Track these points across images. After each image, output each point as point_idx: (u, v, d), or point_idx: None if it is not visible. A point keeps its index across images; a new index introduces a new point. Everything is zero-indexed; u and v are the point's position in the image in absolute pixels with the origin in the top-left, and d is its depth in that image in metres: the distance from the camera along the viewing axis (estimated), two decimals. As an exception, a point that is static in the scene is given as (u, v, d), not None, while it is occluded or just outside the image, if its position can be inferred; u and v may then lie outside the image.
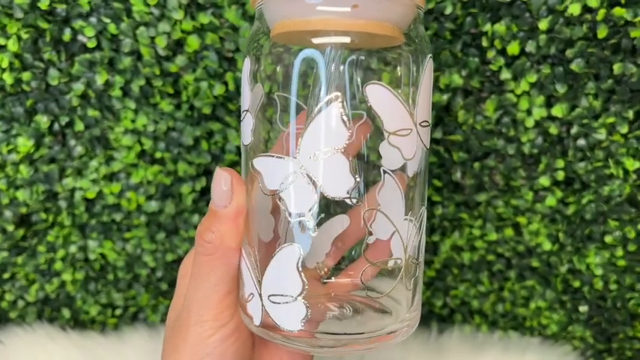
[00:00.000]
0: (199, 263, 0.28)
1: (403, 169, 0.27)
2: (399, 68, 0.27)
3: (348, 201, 0.25)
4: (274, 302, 0.26)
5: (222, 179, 0.27)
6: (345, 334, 0.27)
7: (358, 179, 0.25)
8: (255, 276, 0.27)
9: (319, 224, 0.28)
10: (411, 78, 0.27)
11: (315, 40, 0.25)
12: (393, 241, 0.27)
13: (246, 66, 0.27)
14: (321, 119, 0.24)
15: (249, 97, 0.27)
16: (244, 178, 0.29)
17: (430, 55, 0.27)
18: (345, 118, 0.24)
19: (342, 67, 0.26)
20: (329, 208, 0.30)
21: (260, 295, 0.26)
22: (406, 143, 0.25)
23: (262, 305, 0.26)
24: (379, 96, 0.25)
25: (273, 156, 0.26)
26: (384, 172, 0.26)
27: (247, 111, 0.27)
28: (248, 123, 0.27)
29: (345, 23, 0.24)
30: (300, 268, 0.25)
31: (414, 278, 0.28)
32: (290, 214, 0.25)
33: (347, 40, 0.25)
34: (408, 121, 0.25)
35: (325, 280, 0.31)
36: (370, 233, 0.27)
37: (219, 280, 0.28)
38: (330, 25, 0.24)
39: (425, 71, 0.26)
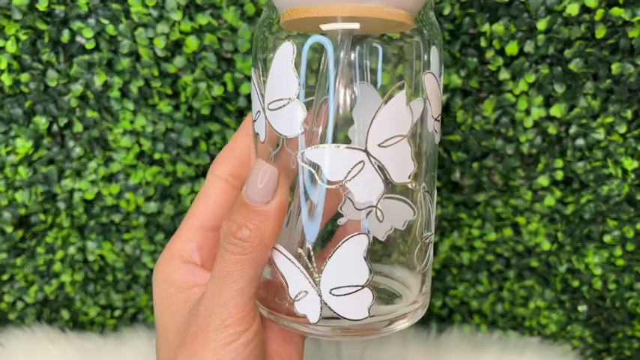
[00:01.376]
0: (229, 263, 0.26)
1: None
2: (423, 57, 0.27)
3: (409, 185, 0.25)
4: (338, 295, 0.25)
5: (264, 172, 0.25)
6: (348, 319, 0.26)
7: (416, 165, 0.25)
8: (309, 273, 0.26)
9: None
10: (439, 66, 0.28)
11: (324, 27, 0.25)
12: (369, 219, 0.26)
13: (288, 51, 0.25)
14: (390, 106, 0.24)
15: (295, 84, 0.25)
16: None
17: (441, 44, 0.28)
18: (410, 106, 0.25)
19: (353, 55, 0.26)
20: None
21: (318, 290, 0.26)
22: (439, 128, 0.28)
23: (321, 301, 0.26)
24: (431, 85, 0.26)
25: (339, 146, 0.25)
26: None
27: (290, 100, 0.25)
28: (294, 112, 0.25)
29: (356, 9, 0.24)
30: (367, 257, 0.25)
31: (422, 260, 0.28)
32: (357, 204, 0.25)
33: (356, 26, 0.25)
34: (440, 108, 0.28)
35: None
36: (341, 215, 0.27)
37: (250, 281, 0.26)
38: (341, 11, 0.24)
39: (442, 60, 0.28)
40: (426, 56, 0.27)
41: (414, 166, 0.25)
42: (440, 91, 0.27)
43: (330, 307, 0.25)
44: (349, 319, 0.25)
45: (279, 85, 0.25)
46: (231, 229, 0.26)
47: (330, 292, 0.25)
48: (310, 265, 0.26)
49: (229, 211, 0.27)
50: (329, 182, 0.25)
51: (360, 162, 0.24)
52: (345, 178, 0.25)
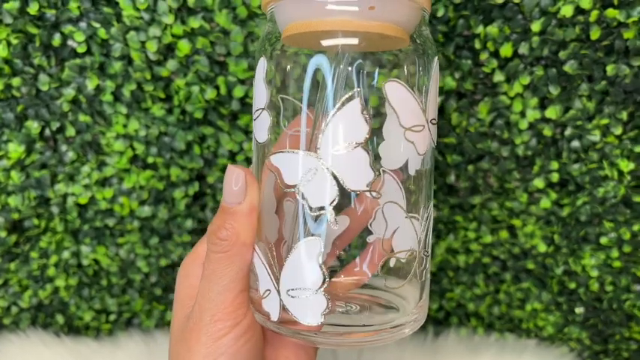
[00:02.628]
0: (213, 261, 0.28)
1: (403, 167, 0.27)
2: (407, 68, 0.28)
3: (368, 194, 0.25)
4: (293, 297, 0.26)
5: (234, 176, 0.27)
6: (353, 325, 0.27)
7: (378, 173, 0.25)
8: (273, 272, 0.27)
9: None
10: (418, 77, 0.27)
11: (324, 42, 0.26)
12: (395, 239, 0.27)
13: (261, 66, 0.28)
14: (343, 114, 0.25)
15: (266, 95, 0.28)
16: (257, 175, 0.29)
17: (437, 56, 0.28)
18: (365, 113, 0.25)
19: (350, 68, 0.26)
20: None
21: (278, 290, 0.26)
22: (420, 139, 0.26)
23: (280, 300, 0.26)
24: (396, 93, 0.25)
25: (292, 151, 0.26)
26: (383, 172, 0.27)
27: (263, 109, 0.28)
28: (264, 121, 0.28)
29: (354, 24, 0.25)
30: (321, 261, 0.25)
31: (420, 274, 0.29)
32: (311, 208, 0.26)
33: (355, 41, 0.25)
34: (421, 118, 0.26)
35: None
36: (370, 232, 0.27)
37: (234, 277, 0.27)
38: (340, 25, 0.25)
39: (433, 70, 0.27)
40: (413, 67, 0.27)
41: (373, 175, 0.25)
42: (415, 100, 0.26)
43: (286, 308, 0.26)
44: (303, 324, 0.26)
45: (257, 96, 0.28)
46: (212, 230, 0.28)
47: (287, 293, 0.26)
48: (274, 264, 0.27)
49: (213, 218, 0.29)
50: (285, 186, 0.26)
51: (313, 168, 0.25)
52: (300, 182, 0.25)
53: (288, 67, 0.28)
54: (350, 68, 0.26)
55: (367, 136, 0.25)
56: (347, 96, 0.25)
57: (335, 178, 0.25)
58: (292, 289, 0.26)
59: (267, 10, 0.27)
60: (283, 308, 0.26)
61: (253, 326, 0.28)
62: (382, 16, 0.25)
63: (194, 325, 0.28)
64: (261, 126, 0.28)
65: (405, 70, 0.28)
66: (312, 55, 0.26)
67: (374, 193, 0.26)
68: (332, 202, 0.25)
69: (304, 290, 0.26)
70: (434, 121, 0.28)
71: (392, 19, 0.25)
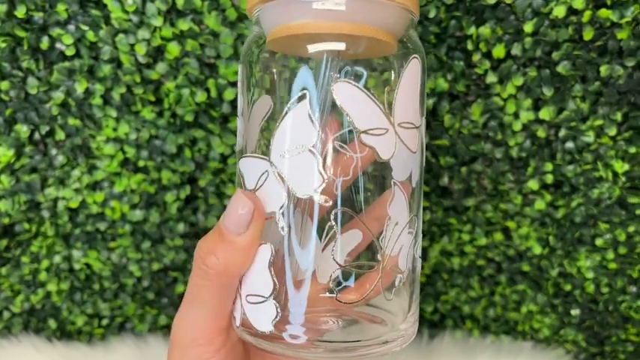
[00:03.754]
0: (197, 286, 0.26)
1: (409, 179, 0.27)
2: (382, 72, 0.27)
3: (316, 199, 0.24)
4: (250, 302, 0.26)
5: (241, 204, 0.25)
6: (344, 341, 0.27)
7: (326, 178, 0.24)
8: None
9: (331, 238, 0.26)
10: (391, 79, 0.26)
11: (310, 48, 0.25)
12: (401, 256, 0.27)
13: (241, 72, 0.27)
14: (290, 118, 0.24)
15: (241, 102, 0.27)
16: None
17: (415, 55, 0.26)
18: (313, 116, 0.24)
19: (337, 75, 0.25)
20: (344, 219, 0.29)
21: (240, 295, 0.26)
22: (382, 143, 0.25)
23: (241, 305, 0.26)
24: (347, 94, 0.24)
25: (251, 156, 0.26)
26: (394, 184, 0.26)
27: (240, 115, 0.27)
28: (239, 127, 0.28)
29: (340, 26, 0.24)
30: (272, 268, 0.25)
31: (412, 290, 0.28)
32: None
33: (342, 46, 0.25)
34: (383, 121, 0.25)
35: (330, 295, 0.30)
36: (381, 247, 0.26)
37: (216, 304, 0.26)
38: (325, 28, 0.24)
39: (405, 71, 0.25)
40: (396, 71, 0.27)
41: (322, 180, 0.24)
42: (373, 101, 0.25)
43: (246, 314, 0.26)
44: (257, 330, 0.26)
45: (238, 102, 0.28)
46: (200, 254, 0.26)
47: (246, 298, 0.26)
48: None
49: (205, 235, 0.27)
50: (248, 190, 0.26)
51: (265, 171, 0.25)
52: (255, 186, 0.25)
53: (275, 71, 0.27)
54: (337, 75, 0.25)
55: (315, 139, 0.24)
56: (296, 97, 0.24)
57: (283, 182, 0.25)
58: (250, 295, 0.26)
59: (253, 15, 0.27)
60: (243, 313, 0.26)
61: (236, 349, 0.28)
62: (365, 18, 0.24)
63: (178, 339, 0.27)
64: (238, 132, 0.28)
65: (382, 74, 0.27)
66: (299, 60, 0.25)
67: (323, 199, 0.25)
68: (281, 208, 0.25)
69: (258, 297, 0.25)
70: (407, 125, 0.26)
71: (379, 22, 0.25)
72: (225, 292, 0.26)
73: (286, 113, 0.24)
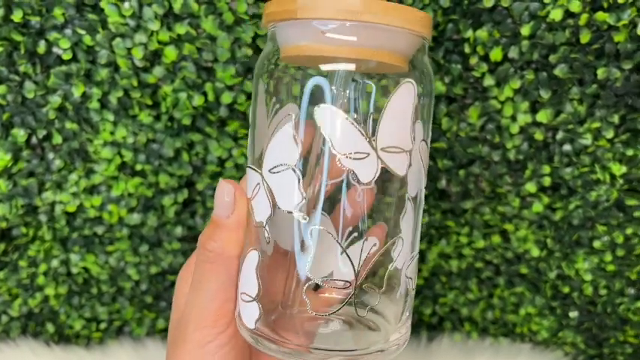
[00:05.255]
0: (201, 271, 0.29)
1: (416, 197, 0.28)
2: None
3: (295, 216, 0.26)
4: (243, 300, 0.28)
5: (225, 190, 0.28)
6: (338, 350, 0.27)
7: (305, 196, 0.26)
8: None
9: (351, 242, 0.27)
10: (375, 103, 0.27)
11: (323, 67, 0.26)
12: (410, 269, 0.29)
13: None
14: (279, 135, 0.26)
15: (256, 114, 0.29)
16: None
17: (409, 80, 0.26)
18: (297, 137, 0.25)
19: (347, 91, 0.26)
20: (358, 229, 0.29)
21: (238, 290, 0.29)
22: (361, 167, 0.25)
23: (238, 300, 0.28)
24: (328, 118, 0.25)
25: (250, 167, 0.28)
26: (408, 199, 0.28)
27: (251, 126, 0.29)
28: (249, 137, 0.29)
29: (351, 51, 0.25)
30: (258, 272, 0.27)
31: (407, 299, 0.29)
32: (255, 222, 0.27)
33: (352, 67, 0.26)
34: (364, 145, 0.25)
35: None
36: (392, 260, 0.28)
37: (219, 287, 0.28)
38: (337, 52, 0.25)
39: (393, 96, 0.26)
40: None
41: (301, 198, 0.26)
42: (353, 125, 0.25)
43: (239, 308, 0.28)
44: (245, 326, 0.28)
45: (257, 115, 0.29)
46: (201, 241, 0.29)
47: (241, 296, 0.28)
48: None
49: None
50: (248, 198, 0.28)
51: (257, 184, 0.27)
52: (252, 195, 0.28)
53: (286, 82, 0.28)
54: (347, 91, 0.26)
55: (297, 159, 0.25)
56: (284, 117, 0.25)
57: (271, 196, 0.26)
58: (242, 293, 0.28)
59: (269, 29, 0.27)
60: (239, 309, 0.28)
61: (238, 336, 0.29)
62: (377, 43, 0.25)
63: (180, 332, 0.29)
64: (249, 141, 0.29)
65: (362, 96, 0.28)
66: (311, 74, 0.26)
67: (302, 215, 0.26)
68: (268, 218, 0.27)
69: (247, 296, 0.27)
70: (392, 150, 0.26)
71: (387, 46, 0.25)
72: (226, 275, 0.28)
73: (276, 131, 0.26)
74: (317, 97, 0.26)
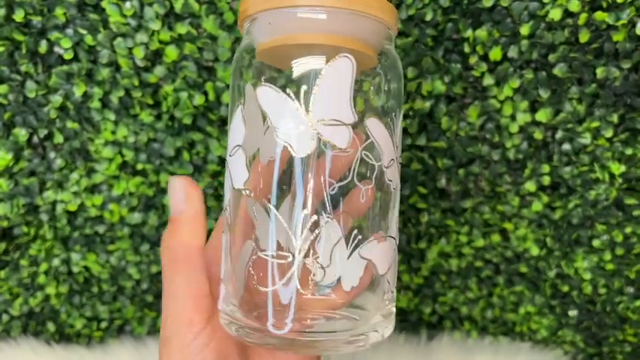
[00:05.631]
0: (168, 271, 0.28)
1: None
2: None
3: (243, 192, 0.27)
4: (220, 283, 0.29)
5: (176, 186, 0.29)
6: (321, 332, 0.27)
7: (250, 173, 0.27)
8: None
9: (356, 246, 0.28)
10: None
11: (293, 62, 0.26)
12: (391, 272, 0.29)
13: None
14: (233, 121, 0.27)
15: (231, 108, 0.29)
16: None
17: (346, 55, 0.26)
18: (245, 117, 0.27)
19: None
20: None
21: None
22: (298, 140, 0.26)
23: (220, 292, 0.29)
24: (267, 96, 0.26)
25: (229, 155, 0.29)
26: (357, 179, 0.28)
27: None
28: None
29: (318, 37, 0.26)
30: (226, 254, 0.27)
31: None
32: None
33: (322, 60, 0.26)
34: (300, 119, 0.26)
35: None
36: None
37: (189, 284, 0.28)
38: (307, 39, 0.26)
39: (328, 67, 0.26)
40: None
41: (247, 175, 0.27)
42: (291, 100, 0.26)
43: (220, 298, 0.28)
44: (226, 314, 0.28)
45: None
46: (162, 241, 0.29)
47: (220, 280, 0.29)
48: None
49: None
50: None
51: (227, 168, 0.28)
52: (230, 183, 0.28)
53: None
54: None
55: (244, 138, 0.26)
56: (238, 103, 0.27)
57: (230, 178, 0.27)
58: (220, 279, 0.28)
59: (244, 27, 0.28)
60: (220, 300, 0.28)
61: (220, 333, 0.28)
62: (348, 30, 0.26)
63: (163, 334, 0.28)
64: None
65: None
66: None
67: (248, 192, 0.27)
68: (228, 200, 0.28)
69: (220, 280, 0.28)
70: (332, 122, 0.26)
71: (358, 35, 0.26)
72: (193, 270, 0.28)
73: (232, 116, 0.27)
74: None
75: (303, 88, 0.26)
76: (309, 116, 0.25)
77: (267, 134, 0.27)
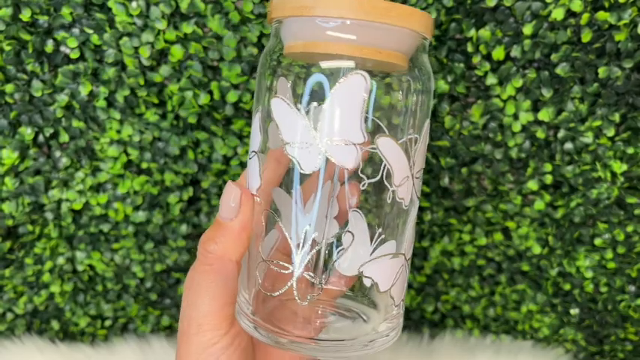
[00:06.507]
0: (200, 272, 0.29)
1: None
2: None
3: (257, 199, 0.28)
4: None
5: (232, 193, 0.28)
6: (339, 340, 0.27)
7: (260, 182, 0.27)
8: None
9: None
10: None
11: (323, 64, 0.26)
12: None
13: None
14: (253, 125, 0.28)
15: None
16: None
17: (358, 72, 0.25)
18: (262, 125, 0.27)
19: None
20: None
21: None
22: (305, 157, 0.26)
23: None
24: (279, 108, 0.26)
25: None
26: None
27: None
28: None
29: (351, 49, 0.26)
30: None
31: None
32: None
33: (352, 64, 0.26)
34: (308, 135, 0.26)
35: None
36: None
37: (219, 290, 0.28)
38: (338, 49, 0.26)
39: (338, 85, 0.26)
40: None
41: (259, 182, 0.28)
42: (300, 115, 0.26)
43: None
44: (245, 314, 0.29)
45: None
46: (202, 242, 0.29)
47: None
48: None
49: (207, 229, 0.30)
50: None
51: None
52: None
53: (292, 78, 0.28)
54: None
55: (260, 145, 0.27)
56: (258, 108, 0.28)
57: (247, 182, 0.29)
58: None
59: (272, 25, 0.28)
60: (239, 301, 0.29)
61: (241, 335, 0.29)
62: (378, 41, 0.25)
63: (184, 331, 0.29)
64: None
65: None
66: (314, 70, 0.27)
67: (259, 199, 0.28)
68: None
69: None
70: (339, 142, 0.26)
71: (388, 45, 0.26)
72: (224, 277, 0.28)
73: (253, 119, 0.28)
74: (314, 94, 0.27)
75: (313, 105, 0.26)
76: (317, 134, 0.25)
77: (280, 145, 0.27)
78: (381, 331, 0.28)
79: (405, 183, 0.27)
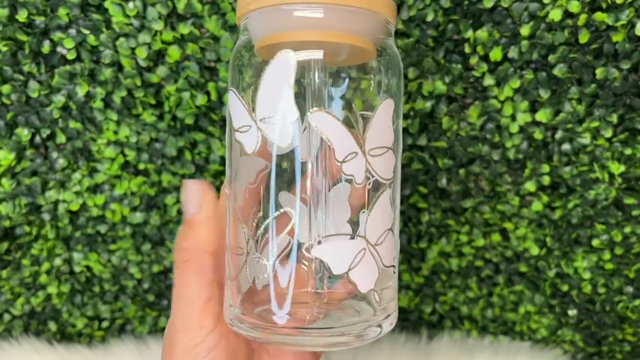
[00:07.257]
0: (180, 272, 0.29)
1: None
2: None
3: (226, 190, 0.28)
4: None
5: (192, 189, 0.29)
6: (321, 328, 0.27)
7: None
8: None
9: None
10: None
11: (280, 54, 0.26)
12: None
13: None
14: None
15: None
16: None
17: (286, 50, 0.25)
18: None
19: (318, 80, 0.27)
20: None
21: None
22: (247, 138, 0.26)
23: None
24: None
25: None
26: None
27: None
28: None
29: (318, 34, 0.26)
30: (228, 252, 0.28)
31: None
32: None
33: (320, 55, 0.26)
34: (246, 119, 0.26)
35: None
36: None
37: (200, 285, 0.28)
38: (304, 36, 0.26)
39: (268, 67, 0.26)
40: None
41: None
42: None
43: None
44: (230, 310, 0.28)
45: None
46: (176, 242, 0.29)
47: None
48: None
49: None
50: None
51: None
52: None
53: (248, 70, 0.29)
54: (317, 80, 0.27)
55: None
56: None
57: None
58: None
59: (241, 22, 0.28)
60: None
61: (229, 336, 0.28)
62: (346, 27, 0.26)
63: (170, 333, 0.29)
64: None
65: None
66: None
67: (227, 190, 0.28)
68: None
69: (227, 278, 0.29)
70: (269, 121, 0.26)
71: (352, 29, 0.26)
72: (205, 272, 0.28)
73: None
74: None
75: (251, 89, 0.26)
76: (253, 115, 0.26)
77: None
78: (371, 322, 0.28)
79: (352, 159, 0.26)
